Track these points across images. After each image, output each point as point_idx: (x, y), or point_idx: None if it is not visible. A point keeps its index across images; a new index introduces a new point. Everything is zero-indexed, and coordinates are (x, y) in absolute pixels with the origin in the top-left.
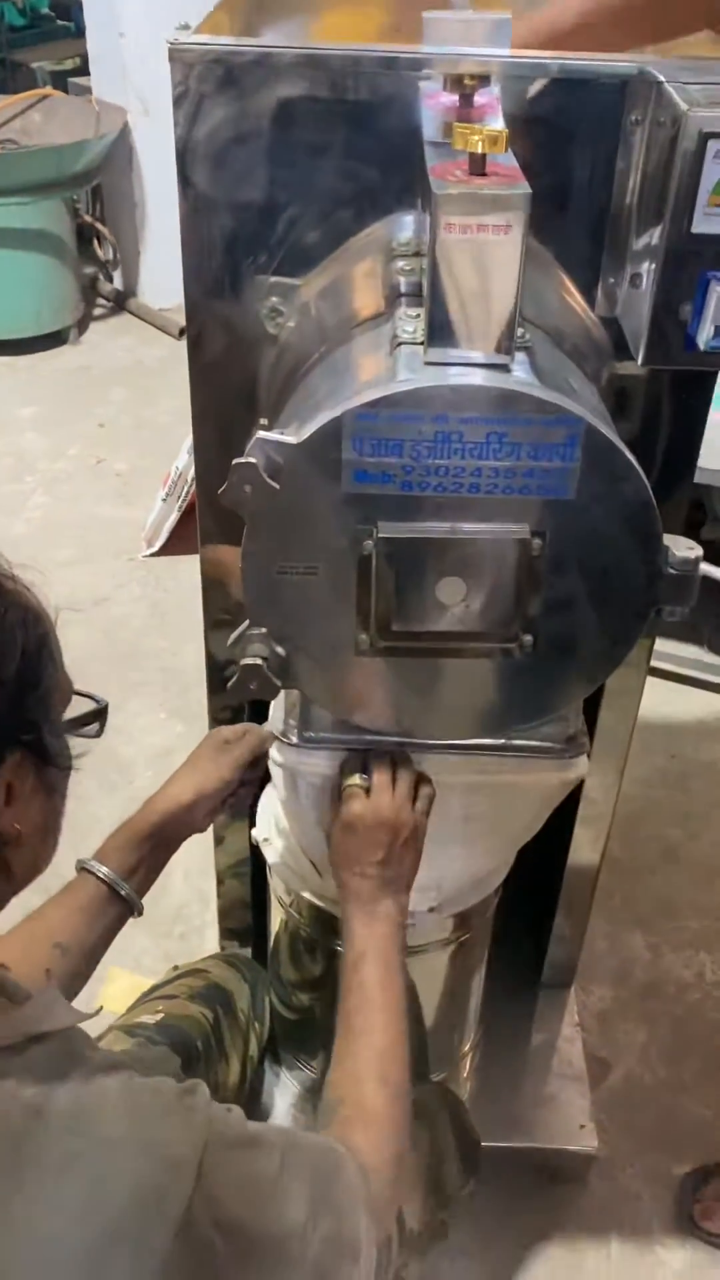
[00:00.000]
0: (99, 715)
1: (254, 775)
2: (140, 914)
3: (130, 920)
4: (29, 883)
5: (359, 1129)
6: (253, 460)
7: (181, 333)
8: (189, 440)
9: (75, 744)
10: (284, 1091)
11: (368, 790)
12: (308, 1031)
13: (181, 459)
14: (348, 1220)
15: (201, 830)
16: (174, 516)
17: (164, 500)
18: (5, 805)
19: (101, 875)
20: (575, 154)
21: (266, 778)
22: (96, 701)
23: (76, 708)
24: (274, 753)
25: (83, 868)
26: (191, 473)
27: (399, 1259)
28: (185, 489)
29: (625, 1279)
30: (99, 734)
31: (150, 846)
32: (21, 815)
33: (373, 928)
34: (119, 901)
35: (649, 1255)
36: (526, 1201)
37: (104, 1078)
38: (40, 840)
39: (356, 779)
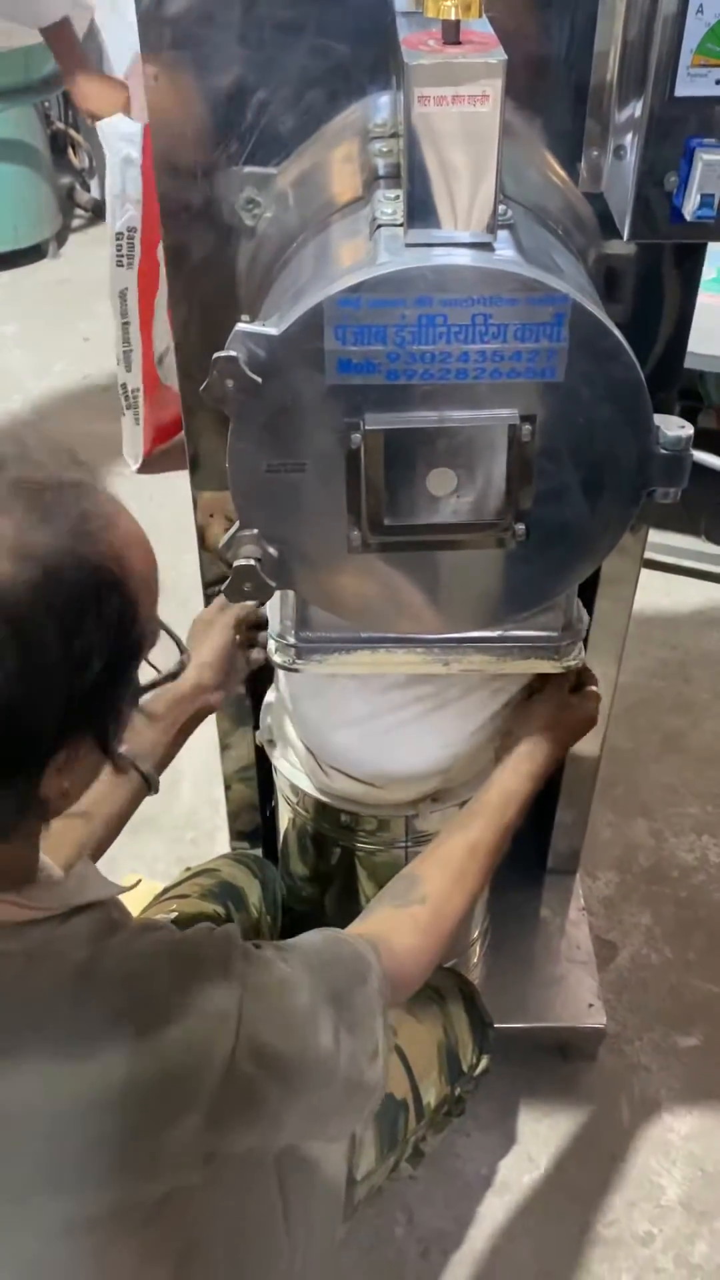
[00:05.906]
0: (174, 677)
1: (253, 636)
2: (156, 791)
3: (143, 828)
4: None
5: (409, 930)
6: (234, 354)
7: None
8: (119, 348)
9: None
10: None
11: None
12: (317, 923)
13: (120, 372)
14: (363, 1029)
15: (216, 707)
16: (137, 428)
17: (124, 415)
18: (58, 772)
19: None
20: (553, 21)
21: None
22: (181, 649)
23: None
24: (274, 655)
25: None
26: (134, 384)
27: (418, 1131)
28: (134, 398)
29: (636, 1145)
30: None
31: (163, 728)
32: (74, 777)
33: (523, 784)
34: (136, 776)
35: (658, 1122)
36: (539, 1078)
37: (146, 936)
38: (83, 787)
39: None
